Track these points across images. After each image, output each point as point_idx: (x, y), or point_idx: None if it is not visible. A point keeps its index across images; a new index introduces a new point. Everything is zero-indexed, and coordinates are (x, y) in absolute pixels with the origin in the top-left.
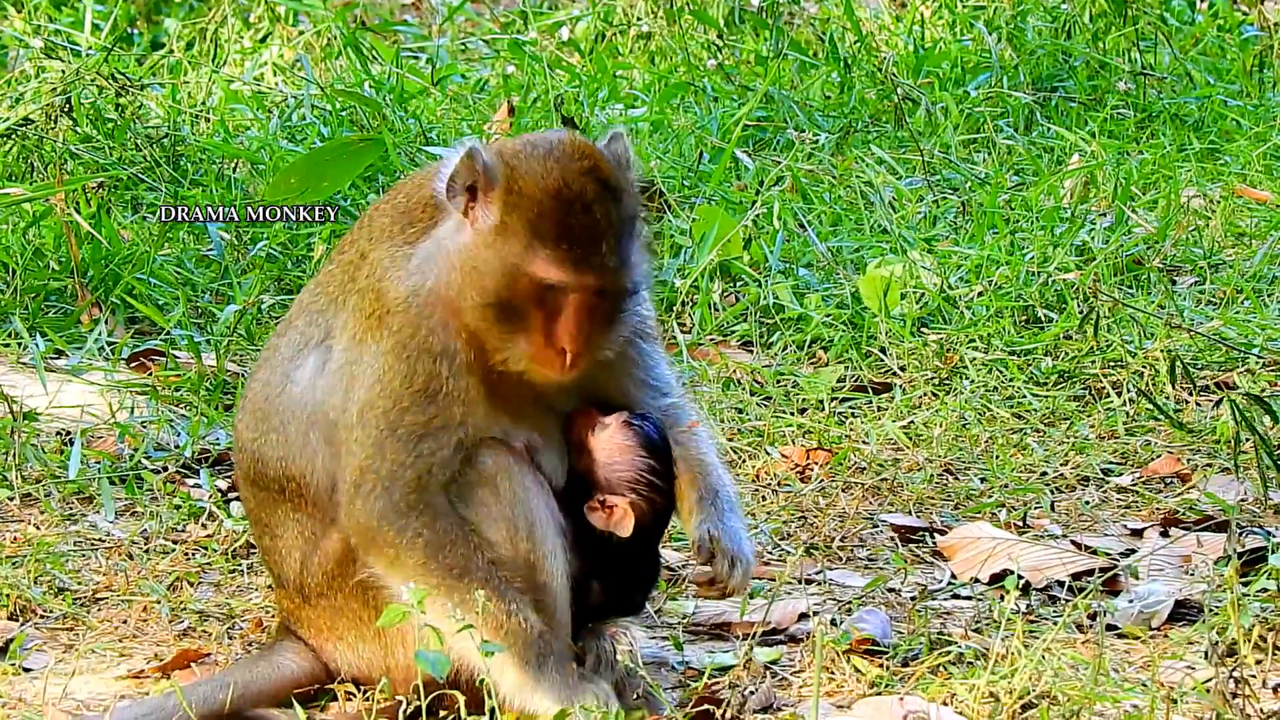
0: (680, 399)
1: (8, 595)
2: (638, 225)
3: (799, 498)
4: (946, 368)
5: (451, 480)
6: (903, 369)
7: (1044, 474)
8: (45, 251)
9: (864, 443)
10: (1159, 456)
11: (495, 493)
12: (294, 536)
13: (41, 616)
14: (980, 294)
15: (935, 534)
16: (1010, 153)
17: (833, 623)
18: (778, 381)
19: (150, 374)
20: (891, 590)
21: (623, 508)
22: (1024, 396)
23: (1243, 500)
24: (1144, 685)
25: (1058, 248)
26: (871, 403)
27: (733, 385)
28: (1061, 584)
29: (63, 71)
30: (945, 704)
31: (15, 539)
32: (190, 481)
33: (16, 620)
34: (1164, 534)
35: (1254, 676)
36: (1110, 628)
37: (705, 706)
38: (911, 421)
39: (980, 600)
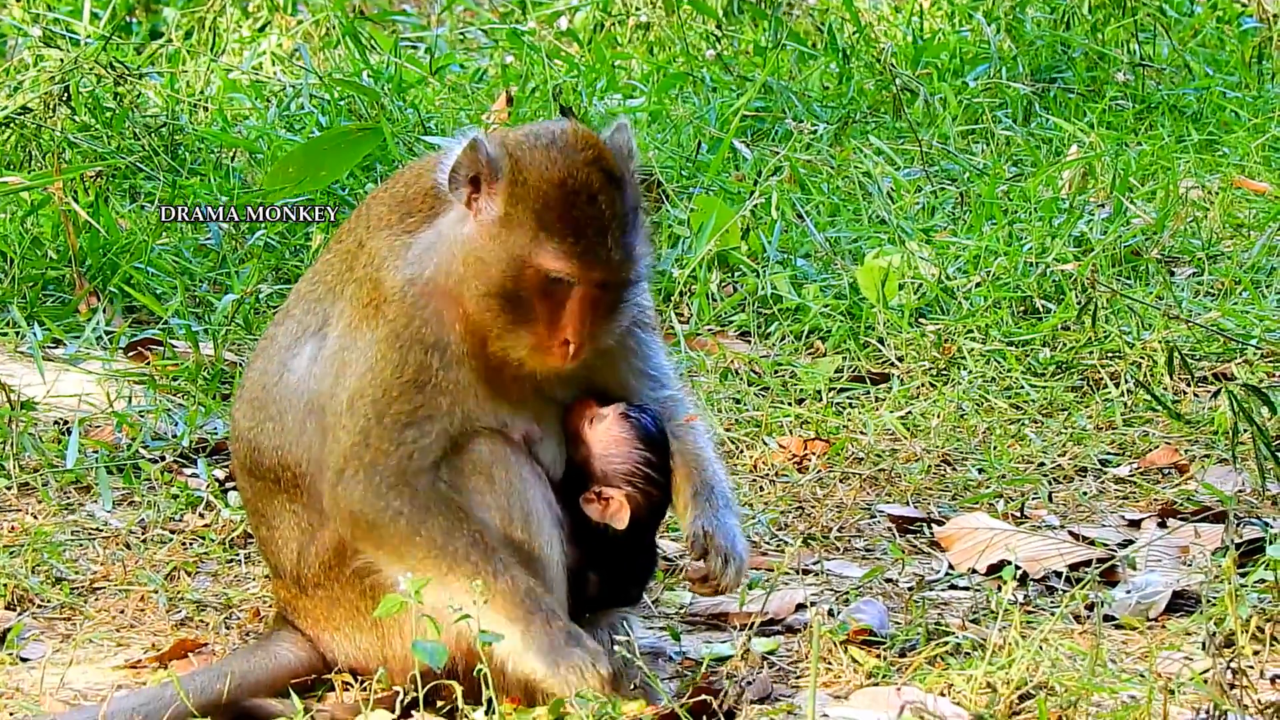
0: (678, 391)
1: (5, 585)
2: (640, 216)
3: (796, 488)
4: (944, 358)
5: (435, 464)
6: (900, 359)
7: (1042, 465)
8: (43, 240)
9: (862, 433)
10: (1157, 447)
11: (491, 482)
12: (290, 526)
13: (39, 606)
14: (978, 285)
15: (933, 524)
16: (1009, 143)
17: (830, 613)
18: (775, 372)
19: (148, 363)
20: (889, 581)
21: (619, 500)
22: (1022, 387)
23: (1240, 491)
24: (1141, 676)
25: (1056, 238)
26: (869, 393)
27: (730, 375)
28: (1059, 575)
29: (61, 60)
30: (942, 695)
31: (13, 528)
32: (188, 471)
33: (14, 610)
34: (1162, 525)
35: (1251, 667)
36: (1108, 618)
37: (702, 697)
38: (909, 412)
39: (978, 591)
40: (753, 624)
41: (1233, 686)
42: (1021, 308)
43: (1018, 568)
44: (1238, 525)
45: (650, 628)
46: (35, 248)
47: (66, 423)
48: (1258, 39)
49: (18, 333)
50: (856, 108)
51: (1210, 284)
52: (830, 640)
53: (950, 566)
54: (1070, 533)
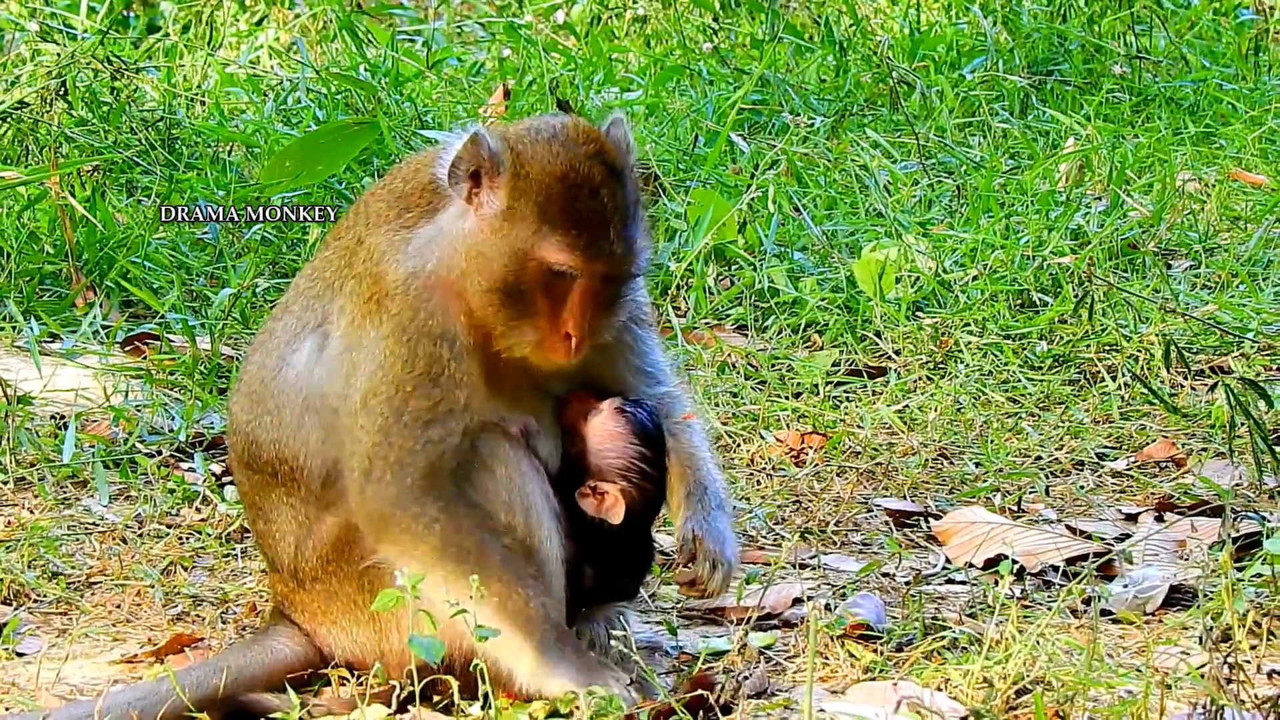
0: (675, 387)
1: (1, 580)
2: (641, 210)
3: (793, 482)
4: (941, 352)
5: (461, 465)
6: (897, 353)
7: (1039, 458)
8: (40, 235)
9: (859, 427)
10: (1154, 441)
11: (491, 476)
12: (288, 520)
13: (35, 601)
14: (975, 278)
15: (930, 519)
16: (1005, 136)
17: (827, 608)
18: (772, 365)
19: (145, 358)
20: (886, 575)
21: (614, 495)
22: (1019, 381)
23: (1237, 485)
24: (1138, 671)
25: (1053, 231)
26: (866, 387)
27: (727, 369)
28: (1056, 569)
29: (58, 55)
30: (939, 689)
31: (9, 523)
32: (184, 465)
33: (10, 605)
34: (1159, 519)
35: (1248, 662)
36: (1105, 613)
37: (699, 692)
38: (906, 406)
39: (975, 585)
40: (749, 619)
41: (1229, 681)
42: (1018, 301)
43: (1015, 562)
44: (1235, 519)
45: (647, 622)
46: (32, 242)
47: (63, 417)
48: (1254, 31)
49: (14, 327)
50: (853, 101)
51: (1207, 277)
52: (827, 635)
53: (947, 561)
54: (1067, 527)
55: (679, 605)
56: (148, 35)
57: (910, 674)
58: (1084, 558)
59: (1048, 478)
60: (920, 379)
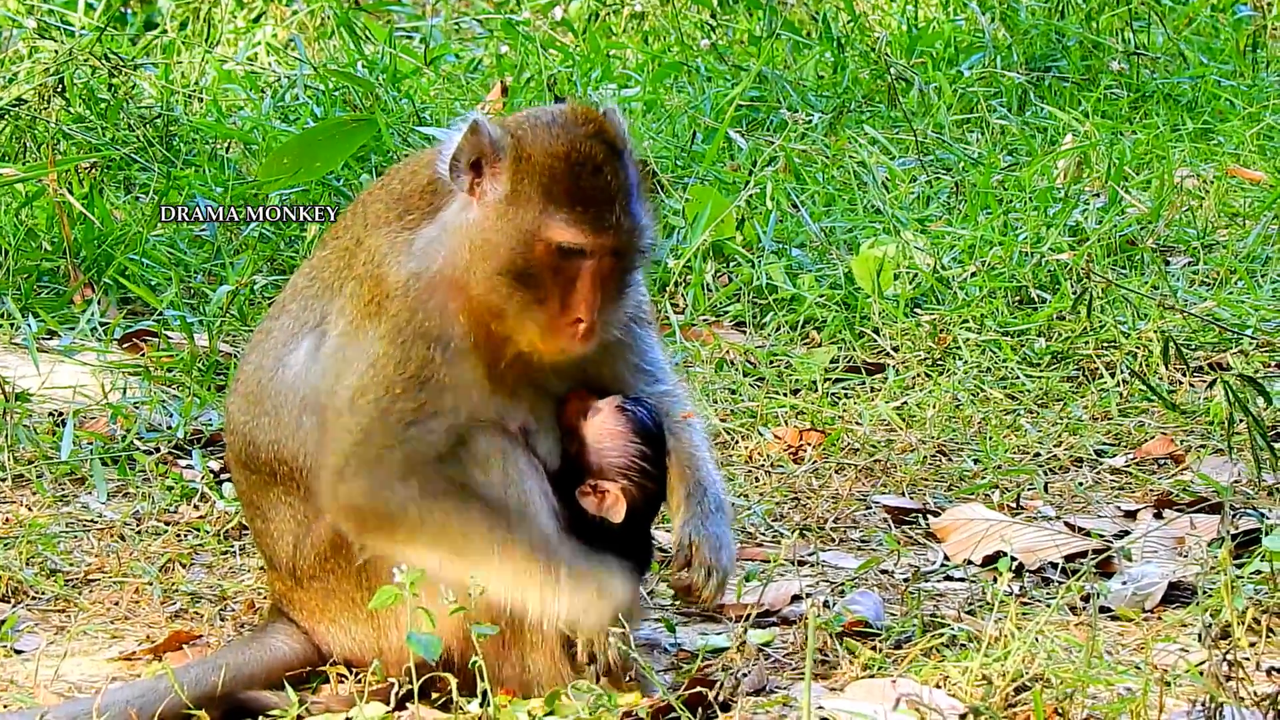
0: (674, 386)
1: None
2: (643, 189)
3: (792, 479)
4: (939, 348)
5: (440, 456)
6: (896, 350)
7: (1037, 455)
8: (38, 232)
9: (857, 424)
10: (1152, 438)
11: (488, 474)
12: (286, 519)
13: (33, 598)
14: (973, 274)
15: (928, 515)
16: (1003, 133)
17: (826, 605)
18: (771, 362)
19: (143, 354)
20: (884, 572)
21: (614, 493)
22: (1017, 377)
23: (1236, 482)
24: (1137, 668)
25: (1051, 228)
26: (865, 383)
27: (726, 366)
28: (1055, 566)
29: (56, 51)
30: (938, 686)
31: (7, 520)
32: (182, 462)
33: (8, 602)
34: (1157, 516)
35: (1247, 659)
36: (1104, 610)
37: (698, 689)
38: (905, 402)
39: (973, 582)
40: (748, 616)
41: (1228, 678)
42: (1017, 297)
43: (1013, 559)
44: (1234, 516)
45: (646, 619)
46: (30, 239)
47: (61, 414)
48: (1252, 27)
49: (12, 324)
50: (851, 97)
51: (1205, 273)
52: (826, 632)
53: (946, 558)
54: (1066, 524)
55: (677, 603)
56: (145, 32)
57: (909, 671)
58: (1083, 555)
59: (1046, 474)
60: (918, 375)
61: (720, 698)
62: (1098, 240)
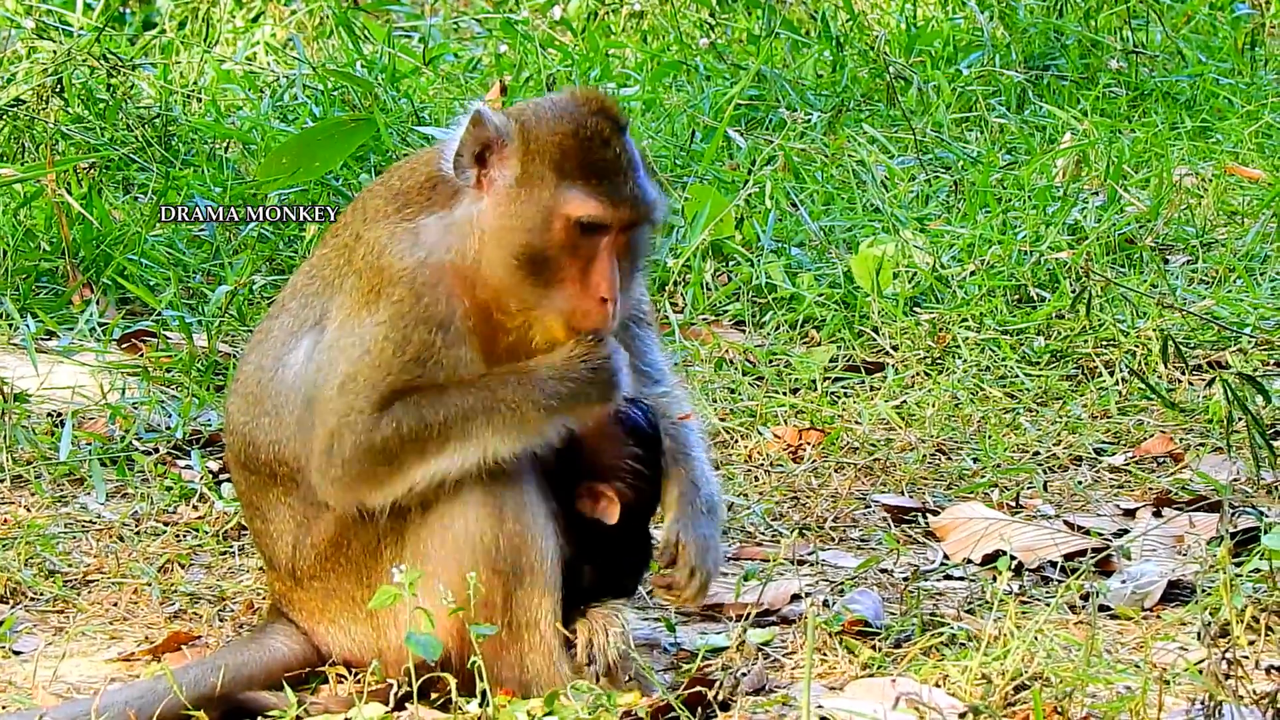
0: (673, 387)
1: None
2: (647, 162)
3: (791, 478)
4: (939, 347)
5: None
6: (895, 348)
7: (1036, 454)
8: (36, 232)
9: (856, 423)
10: (1151, 436)
11: (483, 473)
12: (285, 520)
13: (32, 599)
14: (973, 273)
15: (928, 514)
16: (1002, 131)
17: (825, 604)
18: (770, 361)
19: (141, 355)
20: (884, 571)
21: (609, 495)
22: (1016, 376)
23: (1235, 480)
24: (1137, 666)
25: (1050, 227)
26: (864, 382)
27: (725, 365)
28: (1054, 564)
29: (54, 52)
30: (938, 685)
31: (5, 521)
32: (181, 463)
33: (7, 603)
34: (1157, 514)
35: (1247, 657)
36: (1103, 608)
37: (698, 688)
38: (904, 401)
39: (973, 581)
40: (748, 615)
41: (1228, 676)
42: (1016, 296)
43: (1013, 558)
44: (1233, 514)
45: (645, 619)
46: (28, 240)
47: (60, 415)
48: (1250, 25)
49: (11, 325)
50: (850, 96)
51: (1204, 272)
52: (825, 631)
53: (945, 556)
54: (1065, 522)
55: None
56: (144, 32)
57: (908, 670)
58: (1082, 553)
59: (1045, 473)
60: (918, 374)
61: (720, 697)
62: (1097, 239)
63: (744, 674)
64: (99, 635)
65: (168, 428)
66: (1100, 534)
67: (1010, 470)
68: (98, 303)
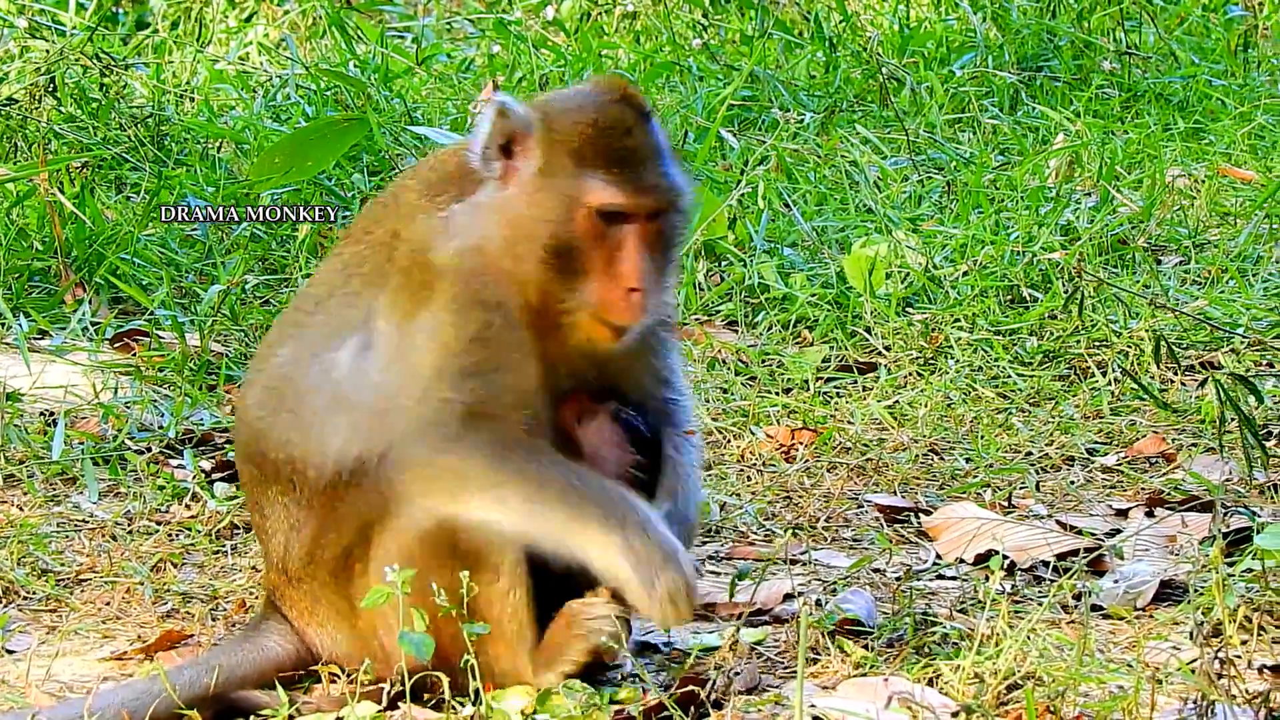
0: (684, 397)
1: None
2: (673, 151)
3: (784, 478)
4: (931, 347)
5: (503, 419)
6: (888, 349)
7: (1029, 454)
8: (29, 231)
9: (849, 423)
10: (1144, 436)
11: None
12: (280, 519)
13: (24, 598)
14: (965, 273)
15: (920, 514)
16: (995, 132)
17: (818, 603)
18: (763, 361)
19: (134, 354)
20: (876, 571)
21: None
22: (1009, 376)
23: (1228, 480)
24: (1129, 666)
25: (1043, 227)
26: (856, 382)
27: (718, 365)
28: (1046, 564)
29: (47, 51)
30: (930, 685)
31: None
32: (174, 462)
33: (0, 602)
34: (1149, 514)
35: (1239, 657)
36: (1095, 608)
37: (690, 687)
38: (896, 401)
39: (965, 581)
40: (740, 614)
41: (1220, 676)
42: (1008, 296)
43: (1005, 557)
44: (1225, 514)
45: (638, 619)
46: (21, 239)
47: (52, 414)
48: (1243, 27)
49: (3, 324)
50: (843, 97)
51: (1197, 272)
52: (818, 630)
53: (938, 556)
54: (1058, 522)
55: None
56: (137, 31)
57: (901, 669)
58: (1074, 553)
59: (1038, 473)
60: (910, 374)
61: (712, 697)
62: (1089, 239)
63: (737, 673)
64: (92, 634)
65: (160, 427)
66: (1093, 534)
67: (1003, 470)
68: (90, 302)
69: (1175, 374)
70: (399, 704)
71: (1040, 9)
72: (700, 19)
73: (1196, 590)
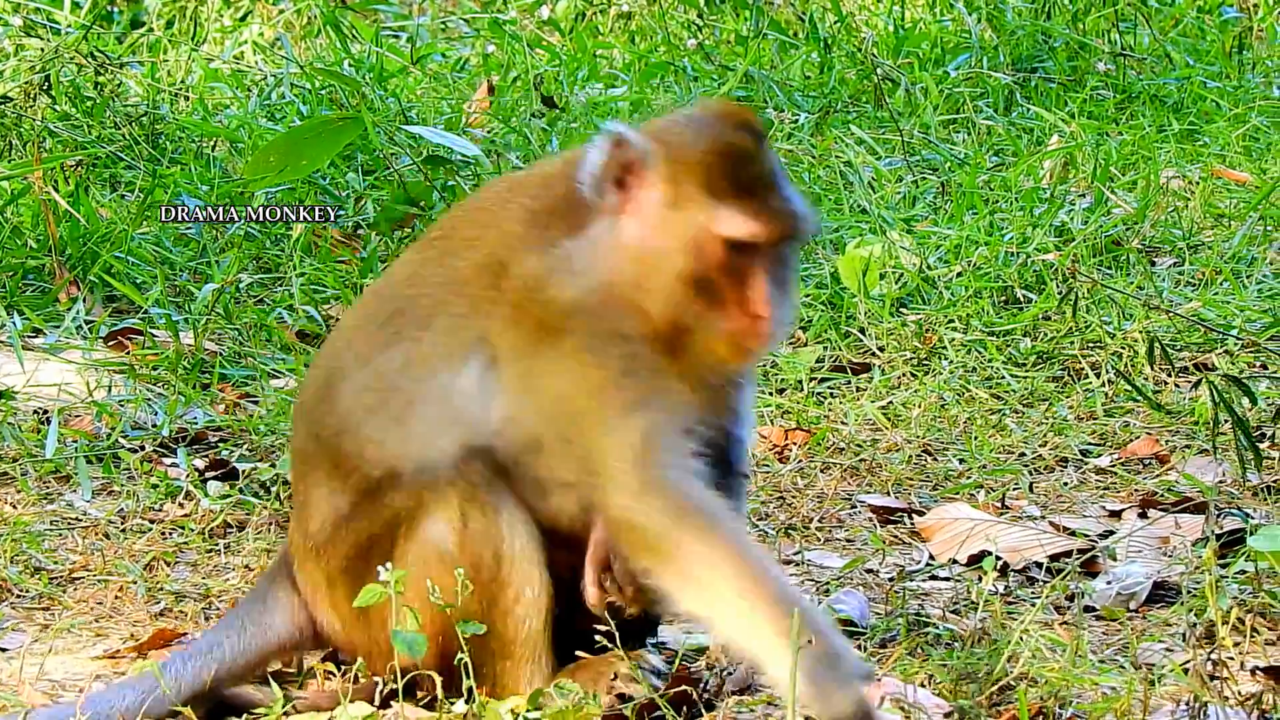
0: (749, 436)
1: None
2: (788, 175)
3: (777, 478)
4: (925, 348)
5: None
6: (881, 349)
7: (1022, 455)
8: (23, 230)
9: (842, 423)
10: (1137, 438)
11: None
12: (321, 501)
13: (18, 596)
14: (959, 274)
15: (913, 515)
16: (990, 133)
17: None
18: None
19: (128, 352)
20: (870, 571)
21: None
22: (1003, 377)
23: (1221, 482)
24: (1122, 667)
25: (1037, 228)
26: (850, 383)
27: None
28: (1040, 565)
29: (42, 49)
30: (923, 685)
31: None
32: (167, 461)
33: None
34: (1142, 515)
35: (1232, 658)
36: (1088, 609)
37: (683, 687)
38: (890, 402)
39: (958, 582)
40: None
41: (1213, 677)
42: (1002, 297)
43: (998, 558)
44: (1218, 516)
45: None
46: (15, 237)
47: (46, 412)
48: (1238, 29)
49: None
50: (838, 97)
51: (1191, 274)
52: None
53: (931, 557)
54: (1051, 523)
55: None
56: (132, 30)
57: (894, 670)
58: (1068, 554)
59: (1031, 474)
60: (904, 375)
61: (704, 697)
62: (1083, 240)
63: (729, 673)
64: (84, 632)
65: (154, 425)
66: (1086, 535)
67: (996, 471)
68: (84, 300)
69: (1169, 375)
70: (391, 702)
71: (1035, 10)
72: (695, 19)
73: (1190, 592)
